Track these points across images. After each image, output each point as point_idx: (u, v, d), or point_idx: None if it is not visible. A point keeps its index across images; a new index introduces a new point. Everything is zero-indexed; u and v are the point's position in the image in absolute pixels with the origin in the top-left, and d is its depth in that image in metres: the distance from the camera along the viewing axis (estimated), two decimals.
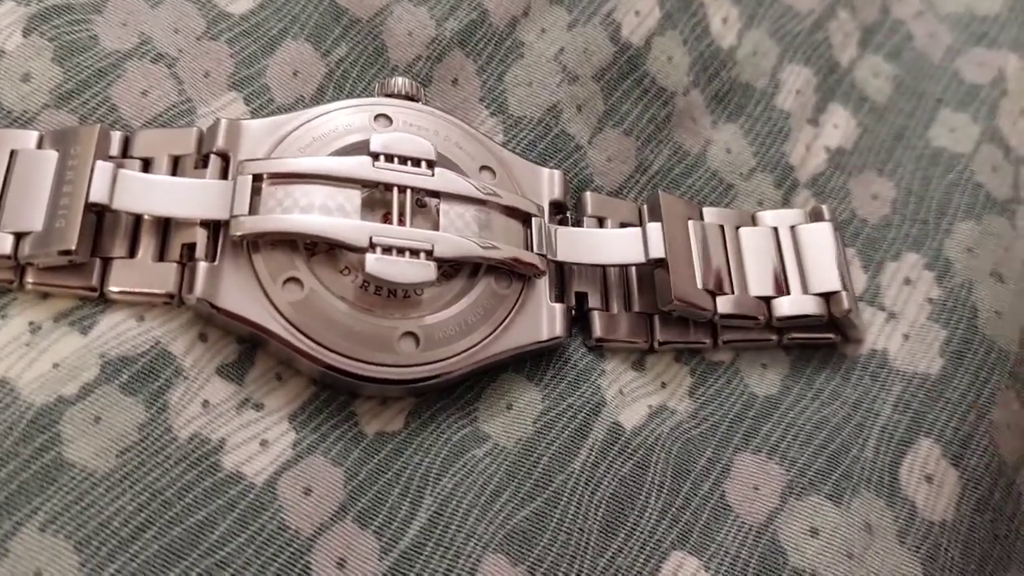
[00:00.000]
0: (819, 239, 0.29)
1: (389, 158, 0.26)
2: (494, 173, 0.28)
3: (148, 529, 0.22)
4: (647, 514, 0.25)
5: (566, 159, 0.30)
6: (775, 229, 0.30)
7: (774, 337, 0.29)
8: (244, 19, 0.29)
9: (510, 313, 0.26)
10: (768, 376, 0.29)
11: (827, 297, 0.28)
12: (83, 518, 0.21)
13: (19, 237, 0.23)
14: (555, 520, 0.24)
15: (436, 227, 0.25)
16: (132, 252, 0.24)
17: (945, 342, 0.29)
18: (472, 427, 0.25)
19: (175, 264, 0.24)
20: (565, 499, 0.24)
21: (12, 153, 0.25)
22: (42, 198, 0.24)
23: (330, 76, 0.29)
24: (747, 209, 0.31)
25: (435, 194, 0.26)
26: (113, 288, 0.24)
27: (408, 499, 0.24)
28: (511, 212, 0.27)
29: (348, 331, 0.24)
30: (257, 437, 0.24)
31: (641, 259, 0.28)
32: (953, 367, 0.29)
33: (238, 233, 0.24)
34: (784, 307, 0.28)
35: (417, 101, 0.28)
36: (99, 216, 0.24)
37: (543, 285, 0.27)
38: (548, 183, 0.28)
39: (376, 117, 0.27)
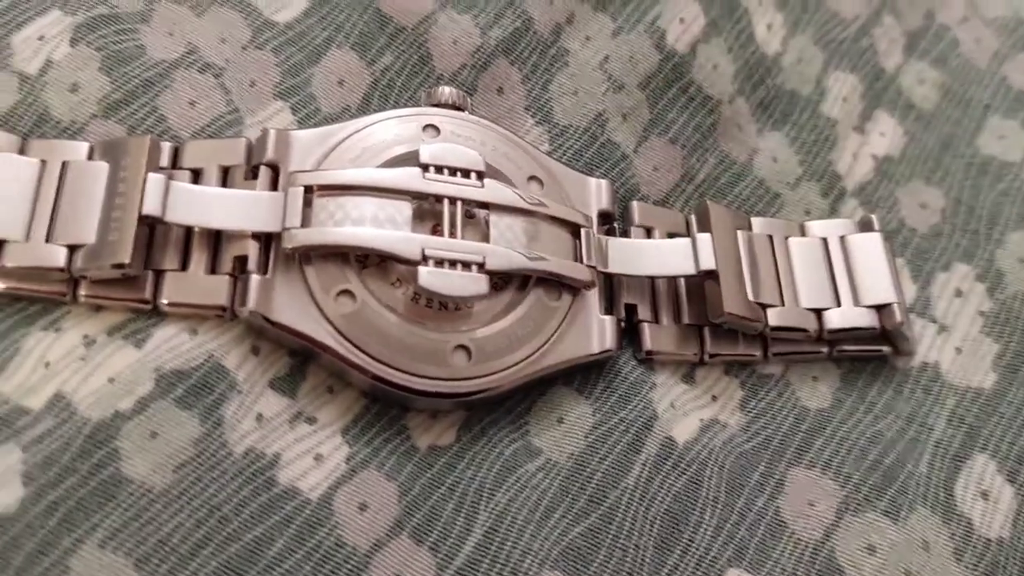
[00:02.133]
0: (869, 250, 0.29)
1: (439, 169, 0.25)
2: (542, 183, 0.27)
3: (207, 546, 0.21)
4: (702, 530, 0.25)
5: (612, 168, 0.30)
6: (824, 240, 0.29)
7: (824, 349, 0.28)
8: (289, 27, 0.29)
9: (560, 326, 0.26)
10: (819, 389, 0.28)
11: (879, 309, 0.28)
12: (142, 535, 0.21)
13: (72, 250, 0.23)
14: (610, 536, 0.24)
15: (486, 239, 0.25)
16: (184, 265, 0.24)
17: (998, 356, 0.29)
18: (523, 441, 0.25)
19: (227, 277, 0.24)
20: (620, 515, 0.24)
21: (63, 165, 0.24)
22: (94, 210, 0.24)
23: (375, 85, 0.29)
24: (795, 219, 0.31)
25: (484, 205, 0.26)
26: (166, 301, 0.24)
27: (463, 514, 0.24)
28: (560, 223, 0.27)
29: (400, 344, 0.24)
30: (311, 451, 0.24)
31: (691, 270, 0.27)
32: (1007, 381, 0.28)
33: (290, 246, 0.24)
34: (835, 319, 0.28)
35: (463, 111, 0.28)
36: (151, 228, 0.24)
37: (593, 297, 0.27)
38: (596, 193, 0.28)
39: (424, 127, 0.27)
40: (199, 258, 0.24)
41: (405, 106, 0.28)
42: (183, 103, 0.27)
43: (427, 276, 0.24)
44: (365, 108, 0.28)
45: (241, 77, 0.28)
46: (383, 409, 0.25)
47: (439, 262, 0.24)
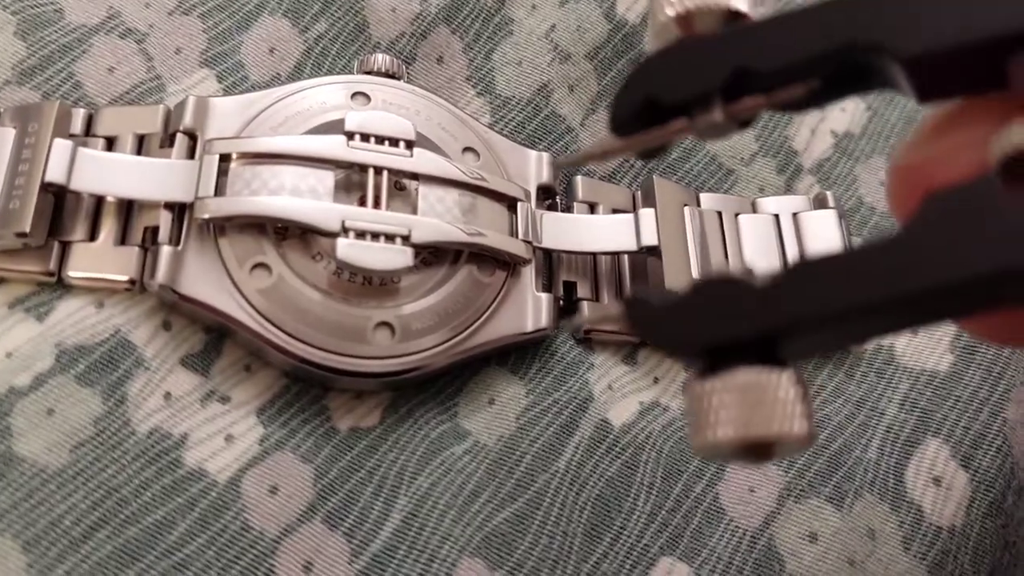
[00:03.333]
0: (823, 228, 0.28)
1: (365, 138, 0.24)
2: (478, 155, 0.26)
3: (102, 528, 0.20)
4: (635, 517, 0.24)
5: (556, 141, 0.28)
6: (776, 217, 0.28)
7: None
8: None
9: (493, 303, 0.25)
10: None
11: None
12: (32, 516, 0.20)
13: None
14: (537, 523, 0.23)
15: (415, 211, 0.24)
16: (92, 235, 0.23)
17: (955, 337, 0.28)
18: (452, 423, 0.24)
19: (137, 248, 0.23)
20: (548, 500, 0.23)
21: None
22: None
23: (308, 53, 0.27)
24: (747, 195, 0.29)
25: (414, 176, 0.25)
26: (72, 273, 0.23)
27: (381, 499, 0.23)
28: (495, 196, 0.25)
29: (319, 320, 0.23)
30: (222, 432, 0.22)
31: (633, 247, 0.26)
32: (964, 364, 0.27)
33: (203, 215, 0.23)
34: None
35: (398, 79, 0.27)
36: (58, 197, 0.23)
37: (529, 274, 0.25)
38: (536, 166, 0.27)
39: (353, 95, 0.26)
40: (108, 229, 0.23)
41: (338, 75, 0.27)
42: (102, 69, 0.26)
43: (345, 248, 0.23)
44: (297, 77, 0.27)
45: (165, 43, 0.26)
46: (304, 389, 0.24)
47: (360, 234, 0.23)
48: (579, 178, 0.28)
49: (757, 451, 0.14)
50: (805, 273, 0.14)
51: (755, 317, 0.14)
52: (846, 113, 0.32)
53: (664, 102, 0.16)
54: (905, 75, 0.15)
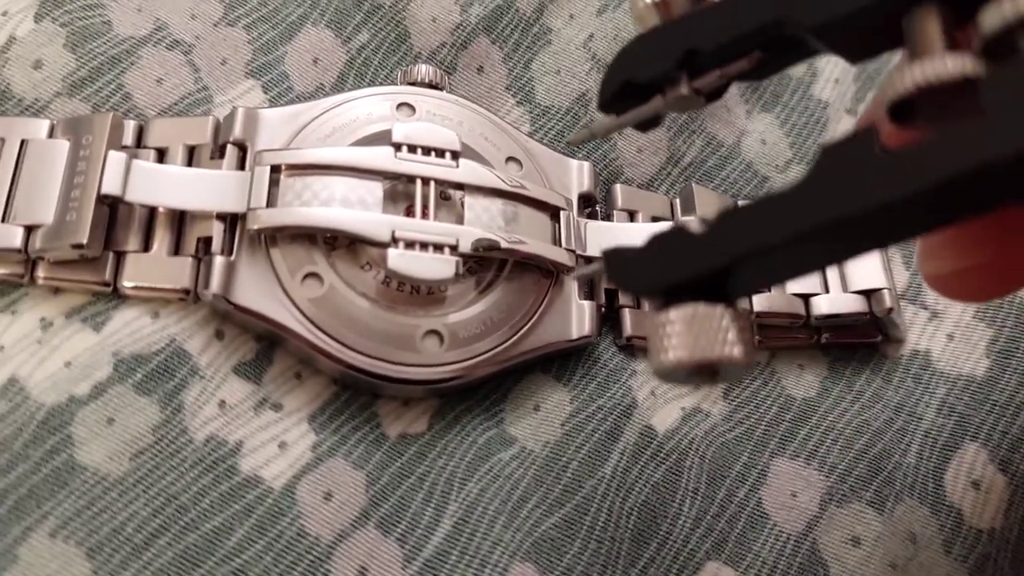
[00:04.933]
0: None
1: (412, 149, 0.25)
2: (521, 165, 0.27)
3: (162, 535, 0.21)
4: (680, 522, 0.24)
5: (595, 150, 0.29)
6: None
7: (812, 337, 0.28)
8: (263, 4, 0.28)
9: (537, 311, 0.25)
10: (805, 377, 0.27)
11: (868, 295, 0.27)
12: (95, 524, 0.20)
13: (30, 230, 0.23)
14: (585, 528, 0.23)
15: (461, 220, 0.24)
16: (146, 246, 0.23)
17: (991, 341, 0.28)
18: (498, 429, 0.24)
19: (191, 258, 0.23)
20: (595, 506, 0.23)
21: (22, 143, 0.24)
22: (53, 189, 0.23)
23: (351, 63, 0.28)
24: None
25: (460, 186, 0.25)
26: (127, 283, 0.23)
27: (432, 505, 0.23)
28: (539, 205, 0.26)
29: (369, 329, 0.23)
30: (276, 439, 0.23)
31: None
32: (1000, 368, 0.28)
33: (255, 226, 0.23)
34: (823, 305, 0.27)
35: (441, 89, 0.27)
36: (112, 208, 0.23)
37: (572, 282, 0.26)
38: (577, 175, 0.27)
39: (399, 106, 0.26)
40: (162, 239, 0.24)
41: (381, 85, 0.27)
42: (150, 81, 0.26)
43: (396, 258, 0.23)
44: (340, 87, 0.28)
45: (211, 54, 0.27)
46: (353, 396, 0.24)
47: (410, 244, 0.23)
48: (618, 186, 0.28)
49: (704, 373, 0.16)
50: (729, 220, 0.16)
51: (693, 260, 0.17)
52: None
53: (638, 82, 0.18)
54: (821, 41, 0.17)
